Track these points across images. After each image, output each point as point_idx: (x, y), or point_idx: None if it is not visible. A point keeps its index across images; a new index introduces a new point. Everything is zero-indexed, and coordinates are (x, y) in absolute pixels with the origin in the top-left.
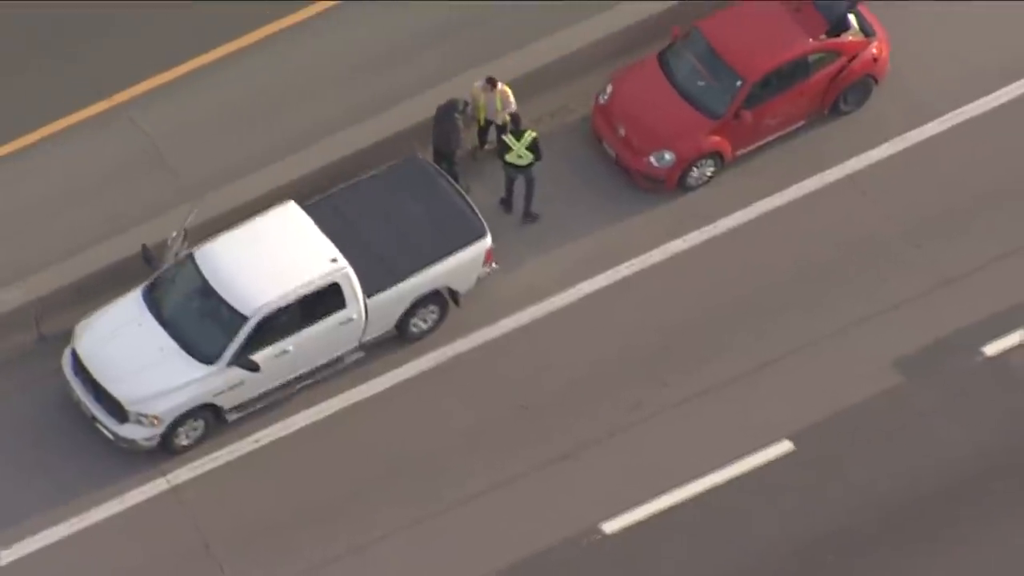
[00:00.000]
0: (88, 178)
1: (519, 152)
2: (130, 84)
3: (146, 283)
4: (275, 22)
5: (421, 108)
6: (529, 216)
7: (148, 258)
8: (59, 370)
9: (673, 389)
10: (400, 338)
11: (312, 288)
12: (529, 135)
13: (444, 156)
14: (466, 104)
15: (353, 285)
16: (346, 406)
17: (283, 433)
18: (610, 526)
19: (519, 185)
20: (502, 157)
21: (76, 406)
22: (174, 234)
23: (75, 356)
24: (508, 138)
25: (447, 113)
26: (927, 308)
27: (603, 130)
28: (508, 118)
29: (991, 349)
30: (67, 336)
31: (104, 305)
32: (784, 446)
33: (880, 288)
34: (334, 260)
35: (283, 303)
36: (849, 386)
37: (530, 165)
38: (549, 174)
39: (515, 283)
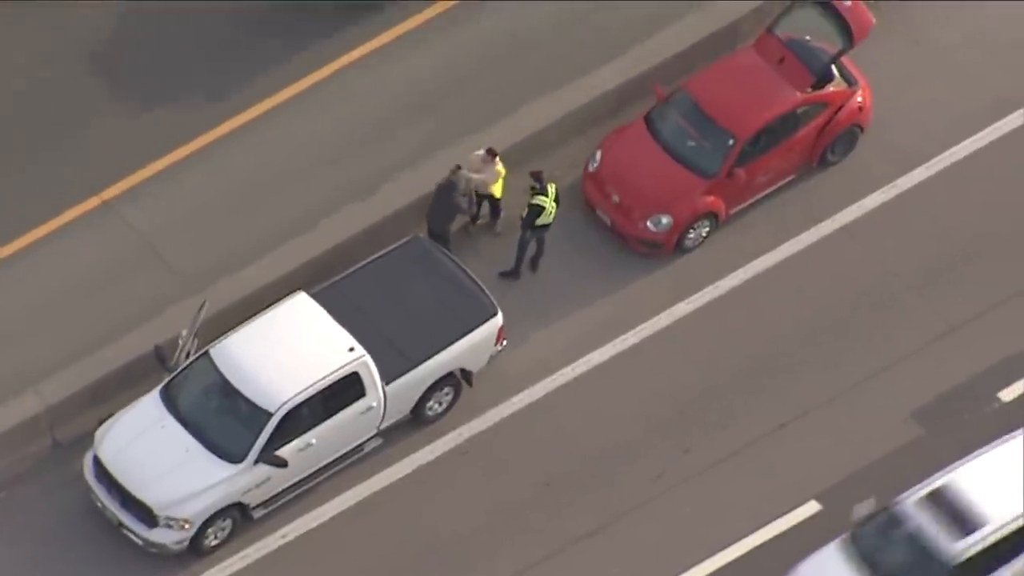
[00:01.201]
0: (85, 278)
1: (550, 209)
2: (117, 179)
3: (163, 384)
4: (254, 107)
5: (411, 186)
6: (536, 266)
7: (161, 358)
8: (78, 476)
9: (695, 455)
10: (415, 421)
11: (332, 379)
12: (553, 187)
13: (438, 235)
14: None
15: (372, 373)
16: (369, 494)
17: (310, 526)
18: None
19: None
20: (531, 224)
21: (101, 512)
22: (184, 332)
23: (97, 462)
24: (540, 199)
25: (446, 192)
26: (937, 357)
27: (596, 198)
28: (497, 192)
29: (1007, 395)
30: (82, 441)
31: (119, 407)
32: (811, 507)
33: (887, 340)
34: (352, 349)
35: (305, 397)
36: (869, 442)
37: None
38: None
39: (524, 358)
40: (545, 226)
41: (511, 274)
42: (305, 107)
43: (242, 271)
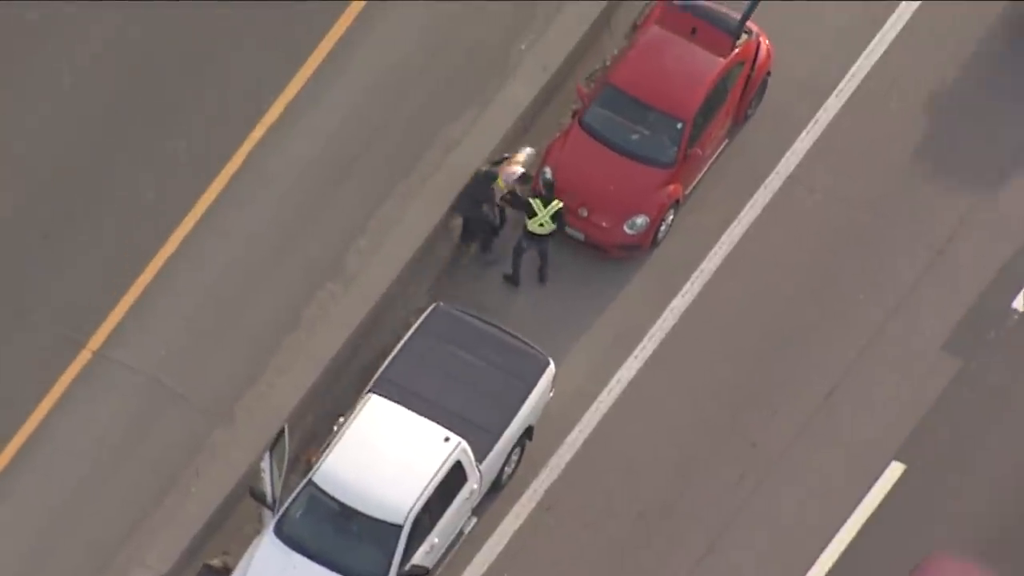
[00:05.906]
0: (111, 437)
1: (542, 220)
2: (95, 326)
3: (273, 523)
4: (197, 206)
5: (385, 259)
6: (544, 277)
7: (261, 498)
8: None
9: (764, 447)
10: (491, 491)
11: (443, 474)
12: (556, 204)
13: (469, 220)
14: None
15: (470, 457)
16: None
17: None
18: None
19: (529, 259)
20: (524, 224)
21: None
22: (264, 464)
23: None
24: (536, 202)
25: (483, 182)
26: (937, 283)
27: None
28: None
29: (1021, 304)
30: None
31: (208, 558)
32: (896, 468)
33: (886, 277)
34: (447, 439)
35: (425, 500)
36: (919, 387)
37: (549, 235)
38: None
39: (556, 394)
40: (535, 235)
41: (511, 279)
42: (237, 197)
43: (261, 380)
